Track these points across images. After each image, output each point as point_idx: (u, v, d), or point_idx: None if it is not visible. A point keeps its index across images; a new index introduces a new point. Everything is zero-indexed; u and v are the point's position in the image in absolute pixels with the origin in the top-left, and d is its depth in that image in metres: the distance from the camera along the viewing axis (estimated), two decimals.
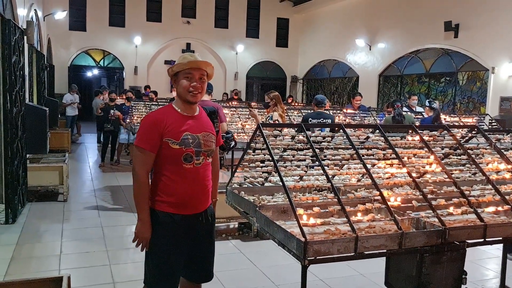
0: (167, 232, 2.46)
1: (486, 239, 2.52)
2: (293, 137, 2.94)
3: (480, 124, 9.16)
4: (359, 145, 3.04)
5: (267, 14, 21.82)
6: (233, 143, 5.16)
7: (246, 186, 3.32)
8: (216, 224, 5.16)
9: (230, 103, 13.12)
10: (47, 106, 10.56)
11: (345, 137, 2.93)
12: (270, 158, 2.63)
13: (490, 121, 9.62)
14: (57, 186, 6.70)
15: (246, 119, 8.09)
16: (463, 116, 9.68)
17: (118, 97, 11.06)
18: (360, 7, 17.71)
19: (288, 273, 4.21)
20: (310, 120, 6.05)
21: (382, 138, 3.02)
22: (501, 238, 2.64)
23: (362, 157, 2.93)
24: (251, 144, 2.92)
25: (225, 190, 3.21)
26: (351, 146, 2.86)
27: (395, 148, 2.98)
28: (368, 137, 3.06)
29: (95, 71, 20.85)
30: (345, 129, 2.89)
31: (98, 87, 15.42)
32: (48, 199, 6.74)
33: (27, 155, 6.84)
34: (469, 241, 2.49)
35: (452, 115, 9.68)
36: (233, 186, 3.23)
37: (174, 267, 2.52)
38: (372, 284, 4.07)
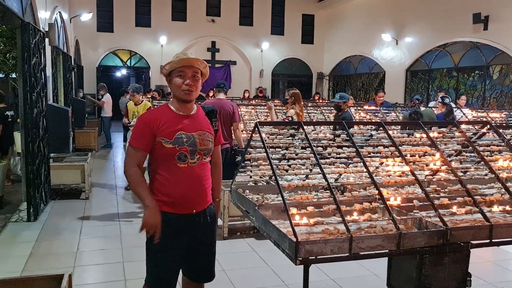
0: (163, 231, 2.44)
1: (493, 240, 2.41)
2: (292, 136, 2.90)
3: (509, 119, 8.82)
4: (363, 143, 2.98)
5: (292, 10, 21.66)
6: (239, 157, 5.11)
7: (251, 185, 3.29)
8: (230, 222, 5.21)
9: (254, 100, 13.10)
10: (74, 106, 10.85)
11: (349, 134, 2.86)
12: (267, 157, 2.59)
13: None
14: (79, 184, 6.86)
15: (265, 117, 8.06)
16: (492, 111, 9.33)
17: (143, 97, 11.19)
18: (386, 1, 17.36)
19: (299, 272, 4.15)
20: None
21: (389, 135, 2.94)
22: (510, 239, 2.53)
23: (368, 155, 2.87)
24: (251, 143, 2.89)
25: (229, 189, 3.20)
26: (356, 144, 2.79)
27: (401, 146, 2.90)
28: (371, 135, 2.98)
29: (123, 71, 21.25)
30: (347, 126, 2.83)
31: (125, 87, 15.68)
32: (71, 197, 6.89)
33: (52, 154, 7.02)
34: (474, 242, 2.39)
35: (479, 110, 9.35)
36: (238, 184, 3.21)
37: (170, 266, 2.52)
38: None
